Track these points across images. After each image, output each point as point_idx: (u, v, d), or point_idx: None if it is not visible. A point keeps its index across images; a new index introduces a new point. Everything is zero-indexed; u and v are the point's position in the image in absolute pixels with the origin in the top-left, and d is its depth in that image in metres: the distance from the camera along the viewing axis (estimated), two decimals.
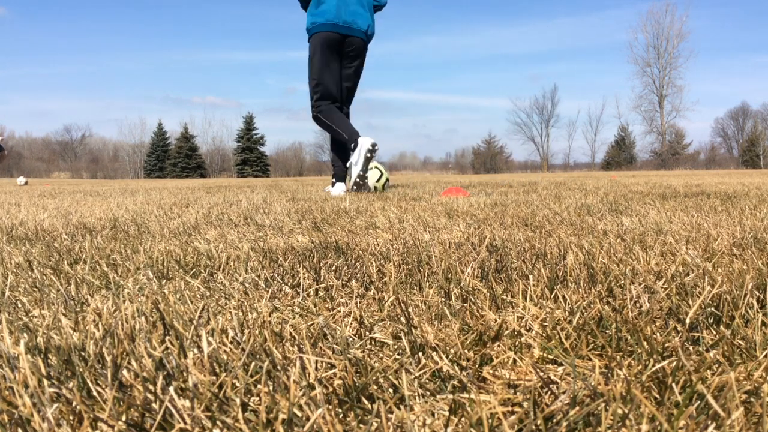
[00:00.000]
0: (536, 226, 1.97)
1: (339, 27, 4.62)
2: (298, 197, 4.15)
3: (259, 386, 0.61)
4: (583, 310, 0.85)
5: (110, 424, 0.53)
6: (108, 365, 0.63)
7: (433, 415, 0.58)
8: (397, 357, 0.73)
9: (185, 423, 0.53)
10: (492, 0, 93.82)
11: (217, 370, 0.64)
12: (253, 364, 0.64)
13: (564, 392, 0.59)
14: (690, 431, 0.51)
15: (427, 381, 0.66)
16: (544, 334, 0.79)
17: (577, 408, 0.54)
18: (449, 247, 1.49)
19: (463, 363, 0.71)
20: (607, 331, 0.78)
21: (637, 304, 0.90)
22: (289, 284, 1.11)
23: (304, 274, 1.16)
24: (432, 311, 0.91)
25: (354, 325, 0.85)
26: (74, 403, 0.56)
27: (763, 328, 0.77)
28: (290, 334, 0.80)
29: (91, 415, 0.54)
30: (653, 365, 0.63)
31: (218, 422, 0.53)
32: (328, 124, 4.73)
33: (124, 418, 0.54)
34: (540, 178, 10.76)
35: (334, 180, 4.95)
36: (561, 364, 0.72)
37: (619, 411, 0.53)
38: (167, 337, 0.75)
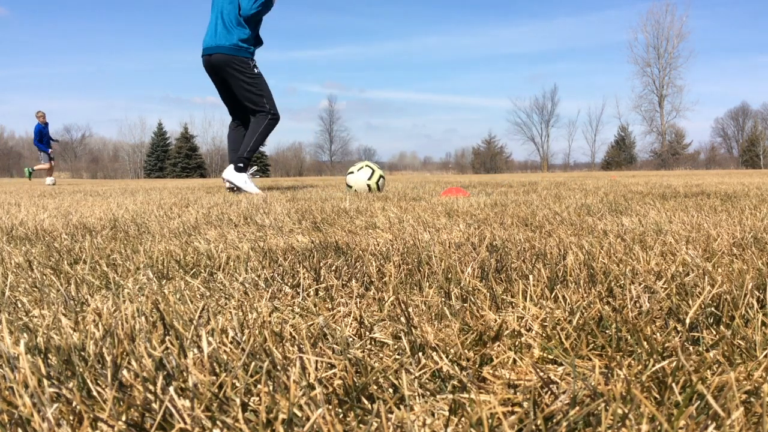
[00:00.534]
0: (536, 226, 1.97)
1: (204, 52, 5.20)
2: (298, 197, 4.15)
3: (259, 386, 0.61)
4: (583, 310, 0.85)
5: (110, 424, 0.53)
6: (108, 365, 0.63)
7: (433, 415, 0.58)
8: (397, 357, 0.73)
9: (185, 423, 0.53)
10: (492, 0, 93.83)
11: (217, 370, 0.64)
12: (253, 364, 0.64)
13: (564, 392, 0.59)
14: (690, 431, 0.51)
15: (427, 381, 0.66)
16: (544, 334, 0.79)
17: (577, 408, 0.54)
18: (449, 247, 1.49)
19: (463, 363, 0.71)
20: (607, 331, 0.78)
21: (637, 304, 0.90)
22: (289, 284, 1.11)
23: (304, 274, 1.16)
24: (432, 311, 0.91)
25: (354, 325, 0.85)
26: (74, 403, 0.56)
27: (763, 328, 0.77)
28: (290, 334, 0.80)
29: (91, 415, 0.54)
30: (653, 365, 0.63)
31: (218, 422, 0.53)
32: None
33: (124, 418, 0.54)
34: (540, 178, 10.76)
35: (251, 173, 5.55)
36: (561, 364, 0.72)
37: (619, 411, 0.53)
38: (167, 337, 0.75)
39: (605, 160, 61.60)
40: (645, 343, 0.72)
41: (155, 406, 0.56)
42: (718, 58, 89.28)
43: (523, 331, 0.80)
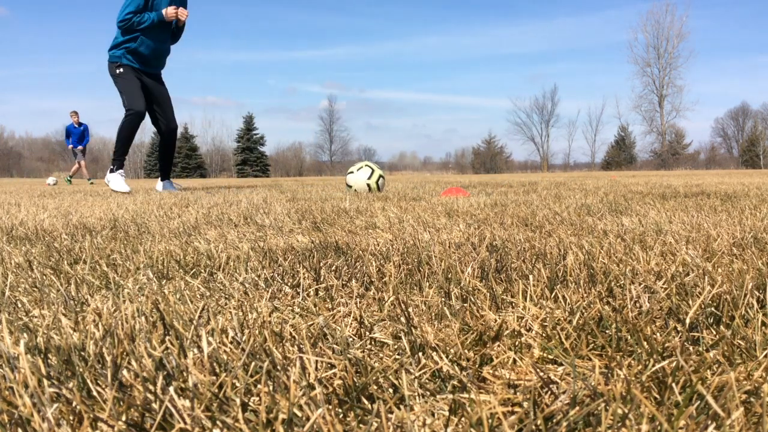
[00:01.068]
0: (536, 226, 1.97)
1: None
2: (298, 197, 4.15)
3: (259, 386, 0.61)
4: (583, 310, 0.85)
5: (110, 424, 0.53)
6: (108, 365, 0.63)
7: (433, 415, 0.58)
8: (397, 357, 0.73)
9: (185, 423, 0.53)
10: (492, 0, 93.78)
11: (217, 370, 0.64)
12: (253, 364, 0.64)
13: (564, 392, 0.59)
14: (690, 431, 0.51)
15: (427, 381, 0.66)
16: (544, 334, 0.79)
17: (577, 408, 0.54)
18: (449, 247, 1.49)
19: (463, 363, 0.71)
20: (607, 331, 0.78)
21: (637, 304, 0.90)
22: (289, 284, 1.11)
23: (304, 274, 1.16)
24: (432, 311, 0.91)
25: (354, 325, 0.85)
26: (74, 403, 0.56)
27: (763, 328, 0.77)
28: (290, 334, 0.80)
29: (91, 415, 0.54)
30: (653, 365, 0.63)
31: (218, 422, 0.53)
32: None
33: (124, 418, 0.54)
34: (540, 178, 10.76)
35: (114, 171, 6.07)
36: (561, 364, 0.72)
37: (619, 411, 0.53)
38: (167, 337, 0.75)
39: (605, 160, 61.60)
40: (645, 343, 0.72)
41: (155, 406, 0.56)
42: (718, 58, 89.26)
43: (523, 331, 0.80)
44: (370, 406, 0.59)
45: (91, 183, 14.61)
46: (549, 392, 0.61)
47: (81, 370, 0.64)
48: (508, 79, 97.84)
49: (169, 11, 5.72)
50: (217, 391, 0.58)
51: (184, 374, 0.63)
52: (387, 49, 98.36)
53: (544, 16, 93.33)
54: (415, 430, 0.55)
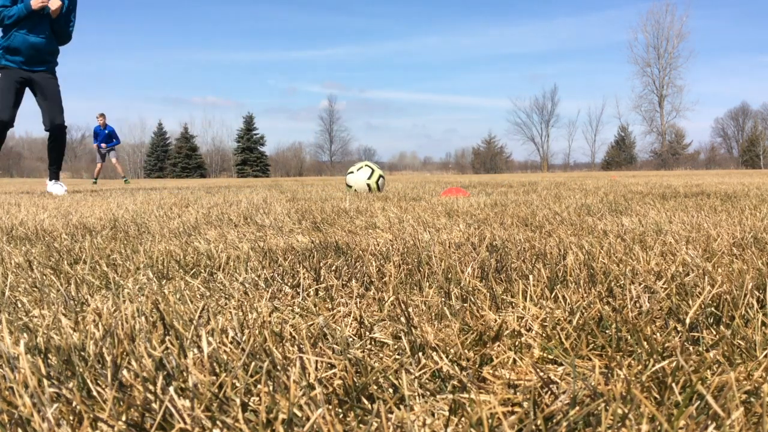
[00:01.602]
0: (536, 226, 1.97)
1: None
2: (298, 197, 4.15)
3: (259, 386, 0.61)
4: (583, 310, 0.85)
5: (110, 424, 0.53)
6: (108, 365, 0.63)
7: (433, 415, 0.58)
8: (397, 357, 0.73)
9: (185, 423, 0.53)
10: (492, 0, 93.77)
11: (217, 370, 0.64)
12: (253, 364, 0.64)
13: (564, 392, 0.59)
14: (690, 431, 0.51)
15: (427, 381, 0.66)
16: (544, 334, 0.79)
17: (577, 408, 0.54)
18: (449, 247, 1.49)
19: (463, 363, 0.71)
20: (607, 331, 0.78)
21: (637, 304, 0.90)
22: (289, 284, 1.11)
23: (304, 274, 1.16)
24: (432, 311, 0.91)
25: (354, 325, 0.85)
26: (74, 403, 0.56)
27: (763, 328, 0.77)
28: (290, 334, 0.80)
29: (91, 415, 0.54)
30: (653, 365, 0.63)
31: (218, 422, 0.53)
32: None
33: (124, 418, 0.54)
34: (540, 178, 10.76)
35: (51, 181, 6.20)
36: (561, 364, 0.72)
37: (619, 411, 0.53)
38: (167, 337, 0.75)
39: (605, 160, 61.59)
40: (645, 343, 0.72)
41: (155, 406, 0.56)
42: (718, 58, 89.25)
43: (523, 331, 0.80)
44: (370, 406, 0.59)
45: (126, 182, 14.78)
46: (549, 392, 0.61)
47: (81, 370, 0.64)
48: (508, 79, 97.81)
49: (35, 1, 5.44)
50: (217, 391, 0.58)
51: (184, 374, 0.63)
52: (387, 49, 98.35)
53: (544, 16, 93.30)
54: (415, 430, 0.55)
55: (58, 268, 1.29)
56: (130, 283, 1.14)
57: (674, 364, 0.62)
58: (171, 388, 0.56)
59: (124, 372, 0.62)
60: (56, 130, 5.89)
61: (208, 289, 1.07)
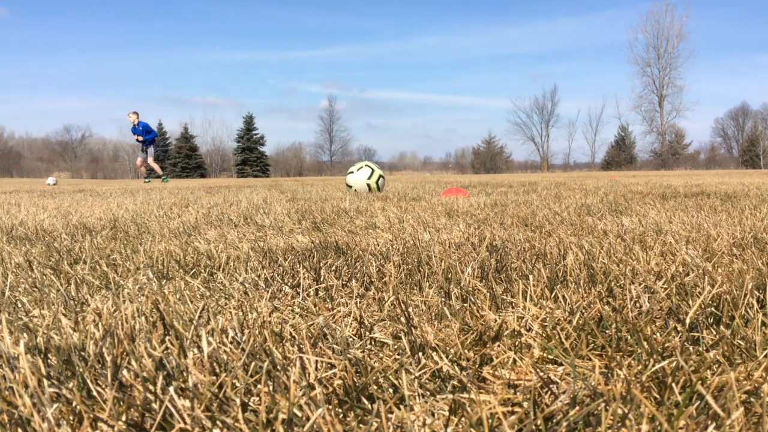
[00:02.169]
0: (536, 226, 1.97)
1: None
2: (298, 197, 4.15)
3: (259, 386, 0.61)
4: (583, 310, 0.85)
5: (110, 424, 0.53)
6: (108, 365, 0.63)
7: (433, 415, 0.58)
8: (397, 357, 0.73)
9: (185, 423, 0.53)
10: (492, 0, 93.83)
11: (217, 370, 0.64)
12: (253, 364, 0.64)
13: (564, 392, 0.59)
14: (690, 431, 0.51)
15: (427, 381, 0.66)
16: (544, 334, 0.79)
17: (577, 408, 0.54)
18: (449, 247, 1.49)
19: (463, 363, 0.71)
20: (607, 331, 0.78)
21: (637, 304, 0.90)
22: (289, 284, 1.11)
23: (304, 274, 1.16)
24: (432, 311, 0.91)
25: (354, 325, 0.85)
26: (74, 403, 0.56)
27: (763, 328, 0.77)
28: (290, 334, 0.80)
29: (91, 415, 0.54)
30: (653, 365, 0.63)
31: (218, 422, 0.53)
32: None
33: (124, 418, 0.54)
34: (540, 178, 10.77)
35: None
36: (561, 364, 0.72)
37: (619, 411, 0.53)
38: (167, 337, 0.75)
39: (605, 160, 61.59)
40: (645, 343, 0.72)
41: (155, 406, 0.56)
42: (718, 58, 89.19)
43: (523, 331, 0.80)
44: (370, 406, 0.59)
45: (165, 180, 14.78)
46: (549, 392, 0.61)
47: (81, 370, 0.64)
48: (508, 79, 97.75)
49: None
50: (217, 391, 0.58)
51: (184, 374, 0.63)
52: (387, 49, 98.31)
53: (544, 16, 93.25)
54: (415, 430, 0.55)
55: (58, 268, 1.29)
56: (130, 283, 1.14)
57: (674, 364, 0.62)
58: (171, 388, 0.56)
59: (124, 372, 0.62)
60: None
61: (208, 289, 1.07)
